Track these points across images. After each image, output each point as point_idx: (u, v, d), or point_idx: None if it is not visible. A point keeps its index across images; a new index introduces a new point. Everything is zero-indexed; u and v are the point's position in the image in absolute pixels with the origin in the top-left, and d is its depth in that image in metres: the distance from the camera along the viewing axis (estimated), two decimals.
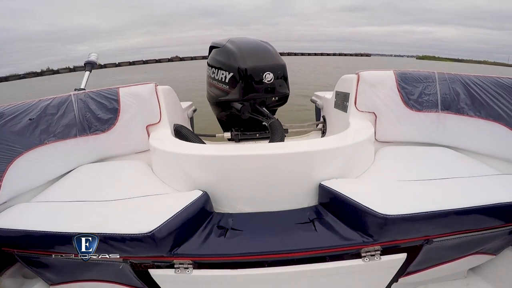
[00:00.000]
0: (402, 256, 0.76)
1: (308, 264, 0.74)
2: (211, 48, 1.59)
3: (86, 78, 1.39)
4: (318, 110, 1.72)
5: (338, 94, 1.36)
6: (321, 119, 1.64)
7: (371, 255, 0.74)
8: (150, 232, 0.67)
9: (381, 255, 0.74)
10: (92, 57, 1.49)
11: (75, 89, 1.28)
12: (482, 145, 1.04)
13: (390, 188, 0.83)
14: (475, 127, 1.06)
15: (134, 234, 0.67)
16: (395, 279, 0.87)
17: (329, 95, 1.51)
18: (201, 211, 0.81)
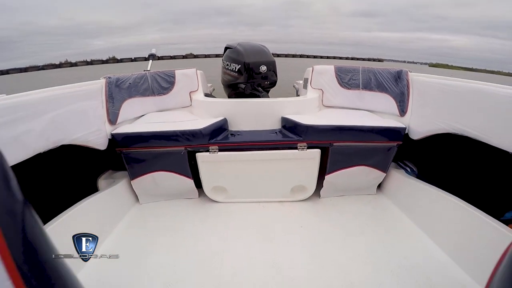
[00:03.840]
0: (318, 151, 1.53)
1: (271, 150, 1.54)
2: (226, 48, 2.40)
3: (150, 64, 2.24)
4: (296, 92, 2.52)
5: (304, 80, 2.15)
6: None
7: (302, 148, 1.52)
8: (200, 129, 1.48)
9: (307, 149, 1.53)
10: (153, 51, 2.35)
11: (144, 70, 2.10)
12: (381, 107, 1.80)
13: (317, 117, 1.63)
14: (378, 97, 1.82)
15: (193, 129, 1.48)
16: (322, 175, 1.63)
17: (301, 81, 2.31)
18: (223, 125, 1.64)
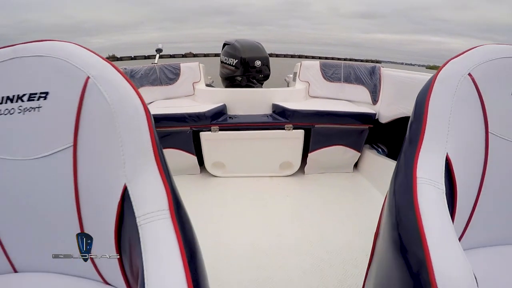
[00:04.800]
0: (301, 131, 1.80)
1: (262, 130, 1.82)
2: (224, 44, 2.67)
3: (157, 57, 2.51)
4: (287, 85, 2.80)
5: (294, 73, 2.43)
6: None
7: (288, 129, 1.80)
8: (204, 112, 1.75)
9: (293, 129, 1.80)
10: (160, 46, 2.62)
11: (152, 63, 2.37)
12: (358, 97, 2.08)
13: (302, 104, 1.91)
14: (356, 89, 2.10)
15: (198, 112, 1.74)
16: (306, 152, 1.91)
17: (291, 75, 2.59)
18: (222, 110, 1.90)
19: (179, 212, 0.47)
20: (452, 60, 0.63)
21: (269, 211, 1.56)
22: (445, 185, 0.54)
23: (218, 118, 1.84)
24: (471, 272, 0.40)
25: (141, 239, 0.43)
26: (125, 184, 0.48)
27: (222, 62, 2.63)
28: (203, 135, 1.81)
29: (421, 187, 0.52)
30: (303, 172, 1.98)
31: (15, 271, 0.60)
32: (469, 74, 0.60)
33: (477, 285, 0.39)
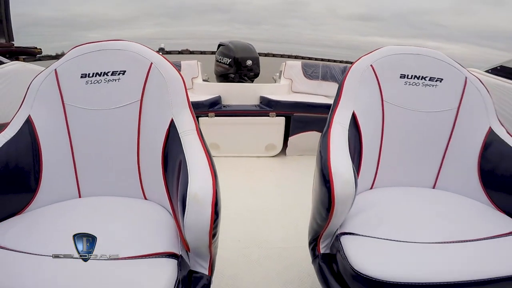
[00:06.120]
0: (283, 118, 2.15)
1: (251, 117, 2.17)
2: (219, 45, 3.00)
3: None
4: (275, 82, 3.17)
5: (279, 72, 2.80)
6: None
7: (272, 116, 2.15)
8: (203, 101, 2.10)
9: (276, 116, 2.16)
10: (162, 46, 2.95)
11: None
12: (332, 93, 2.35)
13: (285, 97, 2.27)
14: (331, 86, 2.46)
15: (197, 101, 2.08)
16: (287, 137, 2.26)
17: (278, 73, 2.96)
18: (217, 100, 2.25)
19: (200, 132, 0.81)
20: (362, 57, 0.98)
21: (256, 183, 1.90)
22: (352, 128, 0.88)
23: (214, 107, 2.19)
24: (351, 165, 0.74)
25: (182, 143, 0.76)
26: (172, 118, 0.82)
27: (217, 61, 2.96)
28: (201, 120, 2.14)
29: (334, 126, 0.88)
30: (285, 154, 2.34)
31: (80, 197, 0.91)
32: (371, 66, 0.96)
33: (355, 176, 0.71)
